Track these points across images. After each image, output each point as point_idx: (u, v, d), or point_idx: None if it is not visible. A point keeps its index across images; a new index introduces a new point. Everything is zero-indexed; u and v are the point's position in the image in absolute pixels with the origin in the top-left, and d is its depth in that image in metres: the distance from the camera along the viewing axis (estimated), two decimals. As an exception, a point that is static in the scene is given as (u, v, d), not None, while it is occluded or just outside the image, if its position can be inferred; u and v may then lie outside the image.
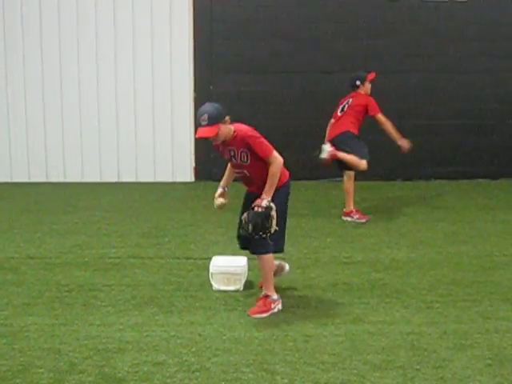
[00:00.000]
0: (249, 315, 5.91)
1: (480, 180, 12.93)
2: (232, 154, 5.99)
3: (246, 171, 6.02)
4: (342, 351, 5.19)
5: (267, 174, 5.87)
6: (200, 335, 5.44)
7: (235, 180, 6.39)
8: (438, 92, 13.02)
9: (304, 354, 5.12)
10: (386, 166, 12.87)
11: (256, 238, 5.85)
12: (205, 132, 5.77)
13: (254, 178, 6.02)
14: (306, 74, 12.73)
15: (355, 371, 4.83)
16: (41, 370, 4.82)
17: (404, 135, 9.91)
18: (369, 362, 4.98)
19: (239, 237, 6.31)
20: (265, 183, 5.86)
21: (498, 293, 6.53)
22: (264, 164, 5.89)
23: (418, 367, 4.90)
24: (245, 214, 5.87)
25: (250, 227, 5.78)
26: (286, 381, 4.68)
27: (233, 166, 6.20)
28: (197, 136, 5.87)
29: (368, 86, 9.77)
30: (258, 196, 5.88)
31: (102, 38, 12.61)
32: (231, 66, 12.65)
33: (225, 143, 5.95)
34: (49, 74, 12.65)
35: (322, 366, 4.90)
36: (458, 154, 13.14)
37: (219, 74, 12.62)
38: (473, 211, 10.33)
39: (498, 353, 5.15)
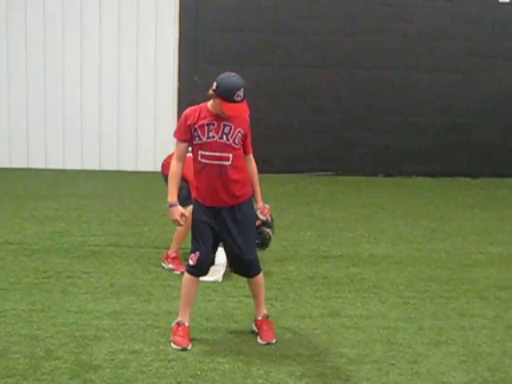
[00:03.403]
0: (268, 343, 5.20)
1: (460, 178, 13.02)
2: (226, 130, 4.99)
3: (229, 160, 5.00)
4: (318, 344, 5.22)
5: (241, 175, 5.14)
6: (177, 325, 5.45)
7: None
8: (419, 90, 13.07)
9: (280, 347, 5.14)
10: (368, 161, 12.93)
11: (254, 258, 5.29)
12: (246, 109, 4.97)
13: (231, 175, 5.04)
14: (292, 67, 12.72)
15: (330, 364, 4.87)
16: (17, 356, 4.82)
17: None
18: (344, 356, 5.02)
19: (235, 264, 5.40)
20: (239, 187, 5.10)
21: (474, 290, 6.59)
22: (244, 162, 5.21)
23: (393, 362, 4.94)
24: (267, 230, 5.32)
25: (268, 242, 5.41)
26: (261, 372, 4.71)
27: (214, 149, 4.97)
28: (238, 114, 4.96)
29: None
30: (231, 210, 5.09)
31: (87, 27, 12.54)
32: (216, 57, 12.59)
33: (220, 117, 4.99)
34: (33, 61, 12.56)
35: (298, 359, 4.93)
36: (439, 152, 13.22)
37: (204, 65, 12.54)
38: (452, 209, 10.40)
39: (473, 349, 5.21)
